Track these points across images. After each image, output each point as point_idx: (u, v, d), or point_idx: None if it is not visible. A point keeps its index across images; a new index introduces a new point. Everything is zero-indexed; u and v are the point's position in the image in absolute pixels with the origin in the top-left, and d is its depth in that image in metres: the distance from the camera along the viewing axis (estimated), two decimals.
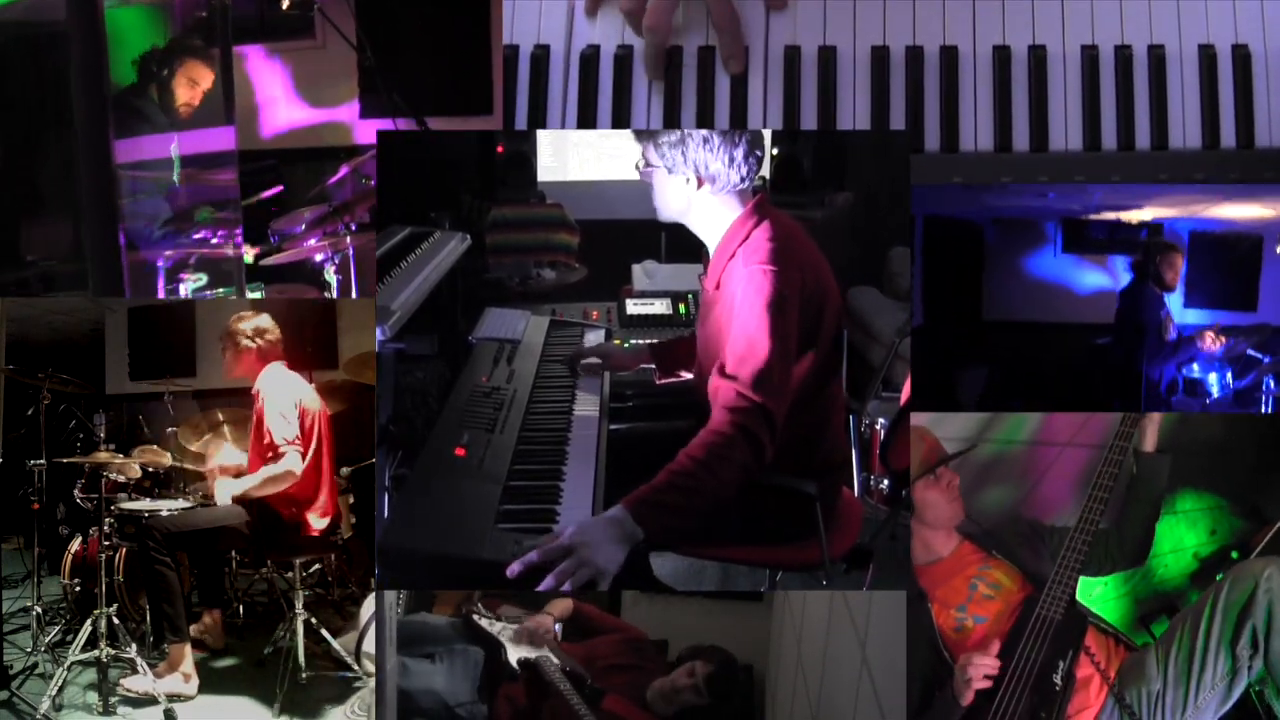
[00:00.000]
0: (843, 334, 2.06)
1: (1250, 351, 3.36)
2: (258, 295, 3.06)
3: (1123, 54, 2.33)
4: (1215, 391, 3.36)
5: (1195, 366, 3.39)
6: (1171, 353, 3.36)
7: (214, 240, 2.98)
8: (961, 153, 2.32)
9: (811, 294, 1.92)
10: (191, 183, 3.05)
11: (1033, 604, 1.91)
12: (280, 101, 3.75)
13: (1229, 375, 3.37)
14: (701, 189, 1.97)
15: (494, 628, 2.73)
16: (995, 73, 2.34)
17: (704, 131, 1.94)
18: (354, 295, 3.04)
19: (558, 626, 2.82)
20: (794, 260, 1.90)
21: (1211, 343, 3.36)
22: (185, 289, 2.84)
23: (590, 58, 2.36)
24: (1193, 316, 3.70)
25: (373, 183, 3.06)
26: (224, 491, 2.82)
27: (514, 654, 2.65)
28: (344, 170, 3.11)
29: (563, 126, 2.40)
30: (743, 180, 1.96)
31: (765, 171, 4.29)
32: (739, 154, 1.94)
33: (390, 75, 2.95)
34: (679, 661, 2.72)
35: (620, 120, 2.36)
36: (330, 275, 2.96)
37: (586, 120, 2.36)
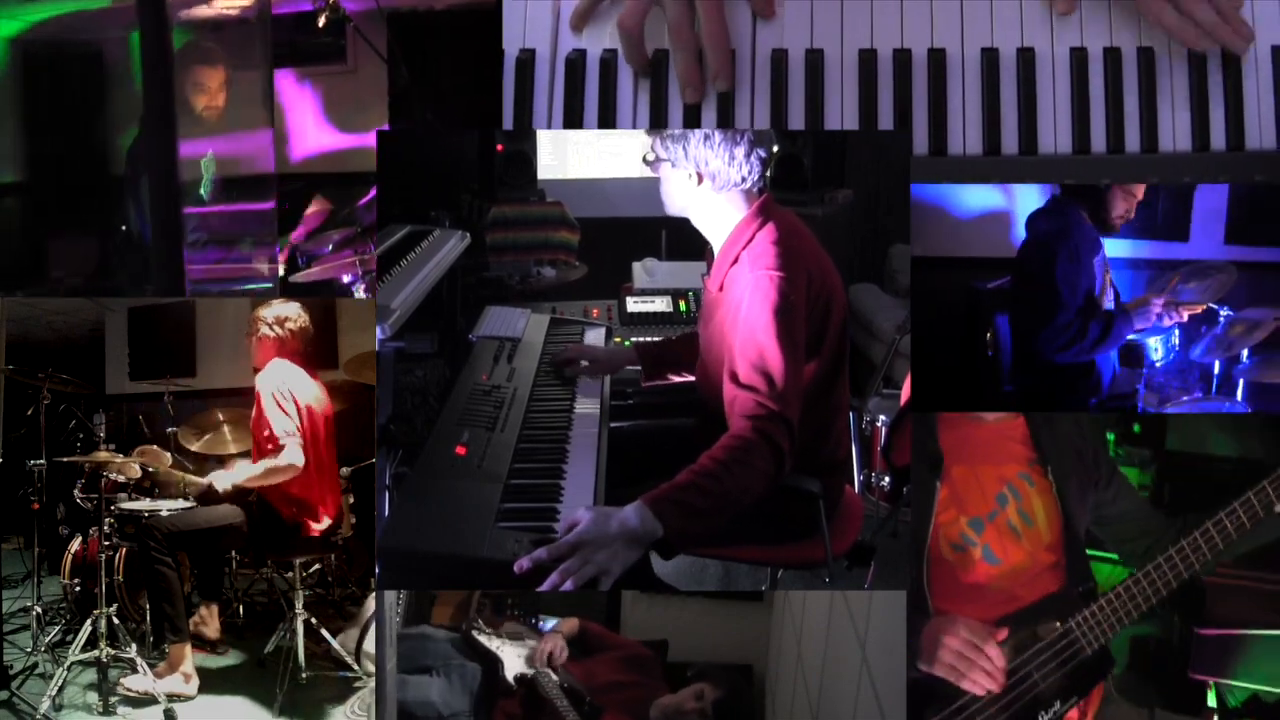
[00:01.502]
0: (848, 333, 2.06)
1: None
2: None
3: (1111, 56, 2.32)
4: (1158, 357, 2.63)
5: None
6: (1114, 330, 2.46)
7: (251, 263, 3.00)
8: (950, 155, 2.31)
9: (818, 295, 1.92)
10: (228, 203, 3.08)
11: (1057, 600, 1.59)
12: (309, 126, 3.79)
13: (1174, 337, 2.63)
14: (702, 185, 1.96)
15: (493, 643, 2.74)
16: (983, 75, 2.32)
17: (708, 129, 1.94)
18: None
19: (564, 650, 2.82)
20: (800, 263, 1.89)
21: (1166, 314, 2.50)
22: None
23: (576, 62, 2.35)
24: (1112, 249, 2.74)
25: None
26: (223, 480, 2.81)
27: (511, 670, 2.66)
28: (373, 192, 3.13)
29: (549, 128, 2.39)
30: (744, 180, 1.96)
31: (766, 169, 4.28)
32: (740, 153, 1.93)
33: (425, 94, 2.95)
34: (685, 672, 2.71)
35: (606, 125, 2.35)
36: (361, 294, 2.99)
37: (572, 125, 2.35)
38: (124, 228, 3.05)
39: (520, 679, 2.64)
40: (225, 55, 3.06)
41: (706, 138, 1.93)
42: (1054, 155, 2.31)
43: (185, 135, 2.99)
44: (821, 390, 1.97)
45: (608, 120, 2.34)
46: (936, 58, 2.32)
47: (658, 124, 2.33)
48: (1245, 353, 2.59)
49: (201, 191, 3.03)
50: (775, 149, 4.48)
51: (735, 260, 1.95)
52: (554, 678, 2.64)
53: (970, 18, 2.33)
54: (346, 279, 3.02)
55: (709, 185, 1.96)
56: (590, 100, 2.34)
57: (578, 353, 2.53)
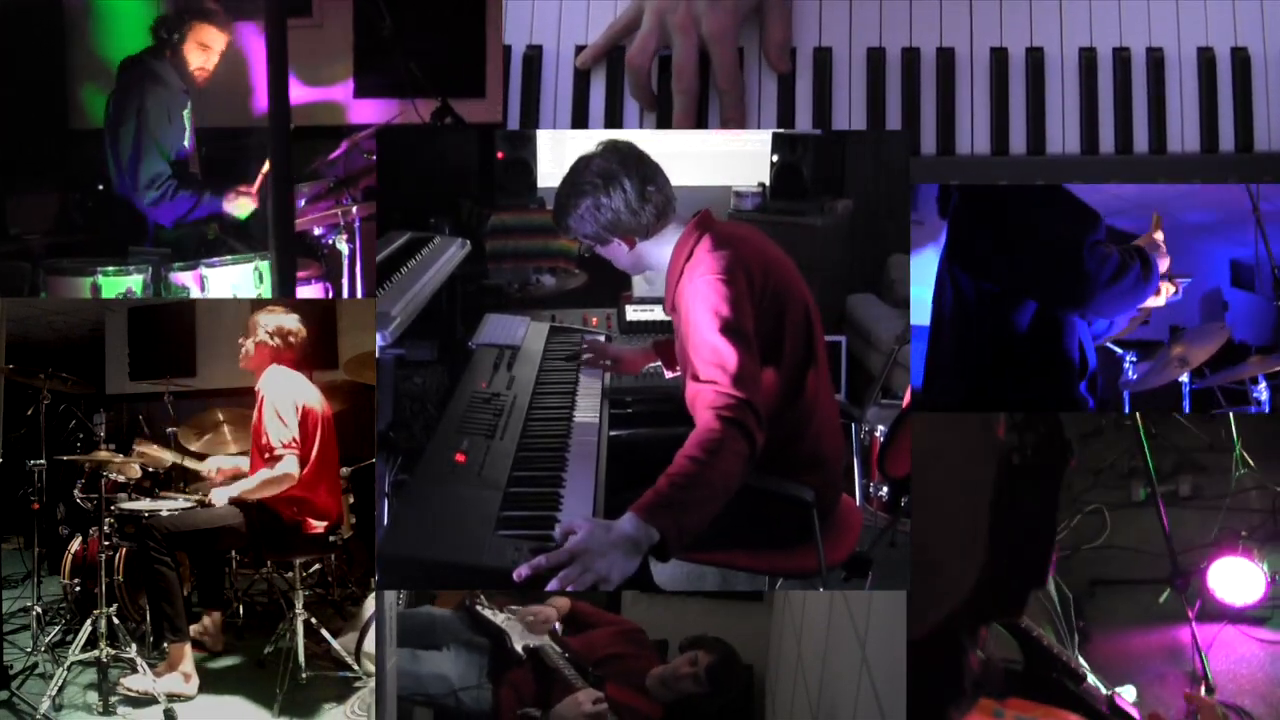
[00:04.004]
0: (813, 329, 2.05)
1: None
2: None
3: (1121, 56, 2.32)
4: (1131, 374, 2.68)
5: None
6: (1153, 263, 2.19)
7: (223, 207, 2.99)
8: (958, 155, 2.31)
9: (763, 290, 1.93)
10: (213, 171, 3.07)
11: None
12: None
13: (1131, 360, 2.69)
14: (636, 244, 2.00)
15: (498, 618, 2.77)
16: (992, 75, 2.33)
17: (587, 199, 1.94)
18: (359, 264, 3.00)
19: (558, 625, 2.86)
20: (737, 260, 1.89)
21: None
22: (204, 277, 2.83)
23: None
24: None
25: (373, 158, 3.08)
26: (221, 495, 2.82)
27: (518, 642, 2.69)
28: (344, 145, 3.13)
29: (555, 126, 2.39)
30: (659, 216, 1.98)
31: (765, 178, 4.29)
32: (631, 196, 1.94)
33: (408, 48, 2.90)
34: (681, 651, 2.75)
35: (613, 119, 2.35)
36: (341, 244, 2.96)
37: (579, 119, 2.36)
38: (100, 187, 3.05)
39: (527, 649, 2.67)
40: (227, 16, 3.04)
41: (596, 206, 1.94)
42: (1062, 156, 2.31)
43: (169, 95, 3.00)
44: (790, 388, 1.98)
45: (615, 115, 2.35)
46: (945, 57, 2.32)
47: (664, 124, 2.32)
48: (1130, 368, 2.67)
49: (185, 141, 3.07)
50: (775, 158, 4.46)
51: (680, 275, 1.96)
52: (557, 649, 2.68)
53: (979, 17, 2.34)
54: (318, 231, 3.01)
55: (639, 240, 1.99)
56: (596, 95, 2.35)
57: (600, 353, 2.55)
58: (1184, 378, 2.71)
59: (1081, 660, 1.87)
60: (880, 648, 1.84)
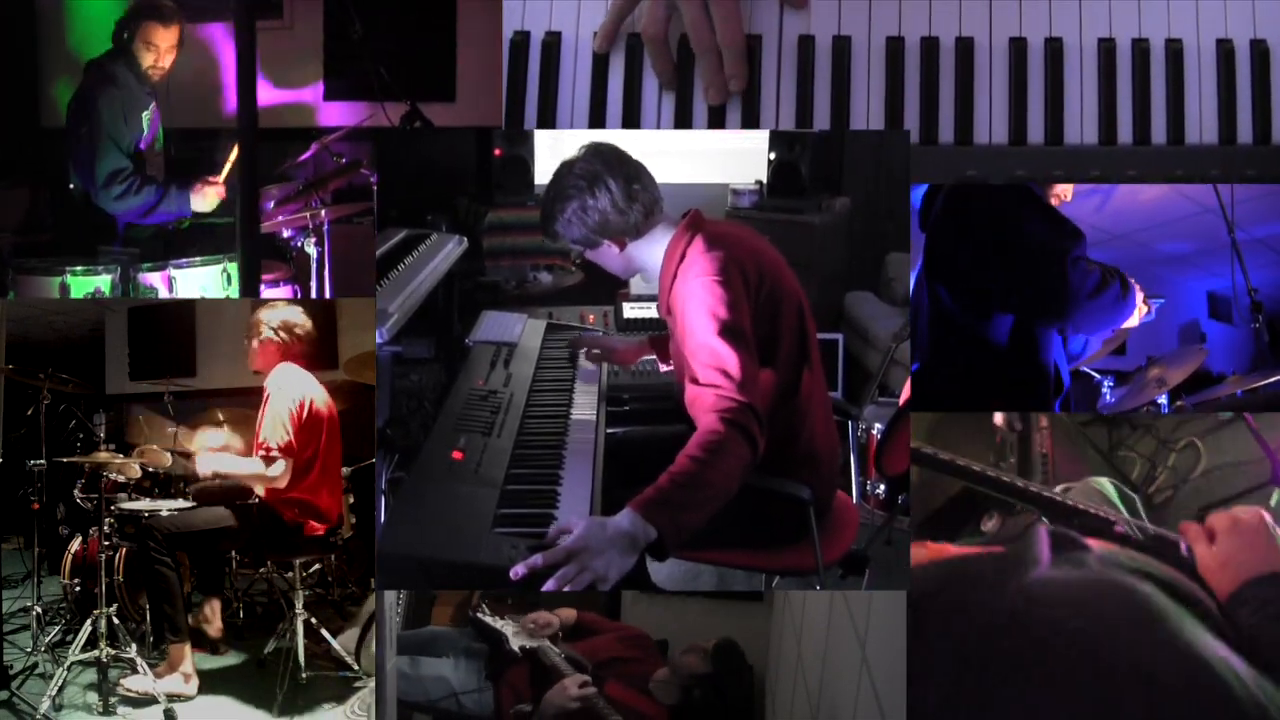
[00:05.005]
0: (806, 327, 2.05)
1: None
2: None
3: (1140, 47, 2.32)
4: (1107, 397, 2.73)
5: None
6: (1131, 288, 2.20)
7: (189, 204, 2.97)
8: (976, 145, 2.31)
9: (758, 290, 1.93)
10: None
11: None
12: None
13: (1108, 385, 2.73)
14: (627, 245, 2.00)
15: (497, 623, 2.78)
16: (1011, 65, 2.32)
17: (573, 202, 1.95)
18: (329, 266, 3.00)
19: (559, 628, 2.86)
20: (733, 264, 1.89)
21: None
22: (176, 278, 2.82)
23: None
24: None
25: (344, 160, 3.07)
26: (205, 463, 2.82)
27: (515, 643, 2.70)
28: (314, 148, 3.12)
29: (573, 111, 2.38)
30: (647, 214, 1.98)
31: (762, 176, 4.29)
32: (617, 194, 1.94)
33: (378, 51, 2.94)
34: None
35: (632, 105, 2.35)
36: (310, 247, 2.95)
37: (597, 105, 2.35)
38: (71, 186, 3.06)
39: (524, 649, 2.68)
40: (183, 13, 3.03)
41: (582, 209, 1.95)
42: (1080, 146, 2.31)
43: (126, 95, 3.00)
44: (785, 385, 1.98)
45: (633, 101, 2.34)
46: (964, 46, 2.32)
47: (682, 122, 2.33)
48: (1108, 392, 2.67)
49: (143, 144, 3.05)
50: (773, 156, 4.45)
51: (674, 277, 1.96)
52: (555, 649, 2.68)
53: (999, 7, 2.34)
54: (287, 234, 2.99)
55: (629, 240, 1.99)
56: (615, 81, 2.34)
57: (594, 344, 2.56)
58: (1162, 399, 2.70)
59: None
60: (880, 648, 1.84)
